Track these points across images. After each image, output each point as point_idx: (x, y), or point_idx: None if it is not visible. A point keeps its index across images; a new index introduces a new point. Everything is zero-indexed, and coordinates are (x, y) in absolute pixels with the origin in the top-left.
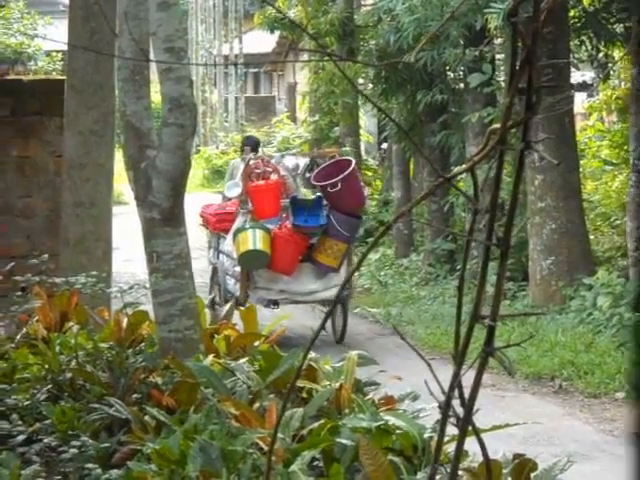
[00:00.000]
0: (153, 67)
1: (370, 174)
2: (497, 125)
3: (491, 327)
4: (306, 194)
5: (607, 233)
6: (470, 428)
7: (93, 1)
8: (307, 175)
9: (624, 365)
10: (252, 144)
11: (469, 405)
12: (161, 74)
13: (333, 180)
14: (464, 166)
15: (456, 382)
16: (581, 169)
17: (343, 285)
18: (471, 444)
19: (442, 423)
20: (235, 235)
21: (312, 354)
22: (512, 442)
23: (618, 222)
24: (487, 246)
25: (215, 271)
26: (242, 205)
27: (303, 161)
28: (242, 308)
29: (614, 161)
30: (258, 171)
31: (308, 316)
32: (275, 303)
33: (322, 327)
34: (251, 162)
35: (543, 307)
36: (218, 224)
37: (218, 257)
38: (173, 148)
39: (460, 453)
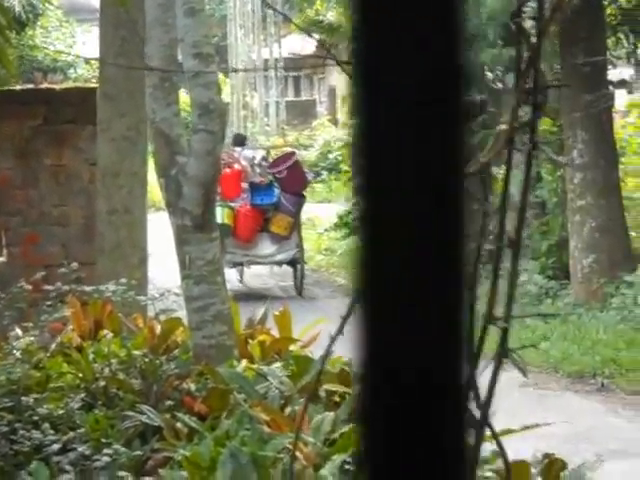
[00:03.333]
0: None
1: None
2: (505, 126)
3: (504, 329)
4: (264, 179)
5: None
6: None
7: (123, 9)
8: (263, 164)
9: None
10: (239, 140)
11: (485, 408)
12: (189, 80)
13: (279, 168)
14: (473, 167)
15: (470, 385)
16: (622, 166)
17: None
18: (508, 444)
19: None
20: None
21: (335, 353)
22: (553, 441)
23: None
24: (498, 248)
25: None
26: None
27: (260, 153)
28: None
29: None
30: (223, 162)
31: (264, 272)
32: (240, 264)
33: (340, 331)
34: None
35: (585, 305)
36: None
37: None
38: (203, 154)
39: (477, 458)
